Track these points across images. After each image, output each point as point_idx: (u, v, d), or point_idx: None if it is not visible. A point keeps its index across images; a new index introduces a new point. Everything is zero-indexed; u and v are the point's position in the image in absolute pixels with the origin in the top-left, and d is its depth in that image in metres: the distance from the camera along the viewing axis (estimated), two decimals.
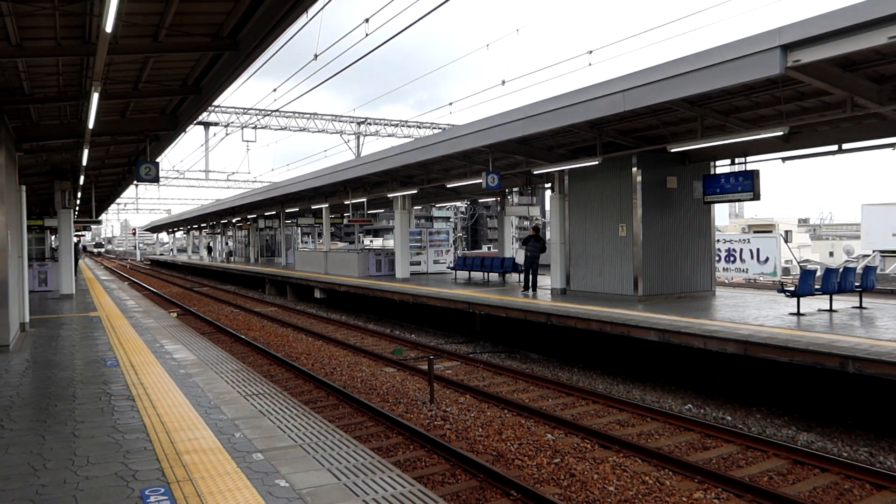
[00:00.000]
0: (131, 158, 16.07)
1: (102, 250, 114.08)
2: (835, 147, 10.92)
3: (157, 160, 13.75)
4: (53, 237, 26.26)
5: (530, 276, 14.96)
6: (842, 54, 6.86)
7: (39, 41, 7.28)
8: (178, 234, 71.84)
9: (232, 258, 45.10)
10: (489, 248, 49.64)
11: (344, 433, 5.13)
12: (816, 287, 10.25)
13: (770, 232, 25.43)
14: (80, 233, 54.53)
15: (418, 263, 22.03)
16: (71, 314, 13.52)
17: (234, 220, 42.19)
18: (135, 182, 23.58)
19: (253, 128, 32.31)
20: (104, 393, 6.39)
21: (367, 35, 11.06)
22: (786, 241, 25.02)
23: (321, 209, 27.59)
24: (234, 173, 38.86)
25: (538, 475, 6.20)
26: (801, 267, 19.27)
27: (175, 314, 16.88)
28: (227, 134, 32.47)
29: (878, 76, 8.37)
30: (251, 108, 31.92)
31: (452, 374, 10.80)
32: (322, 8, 8.39)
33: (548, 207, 18.41)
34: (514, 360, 12.15)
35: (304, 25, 9.04)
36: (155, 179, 11.80)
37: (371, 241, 60.94)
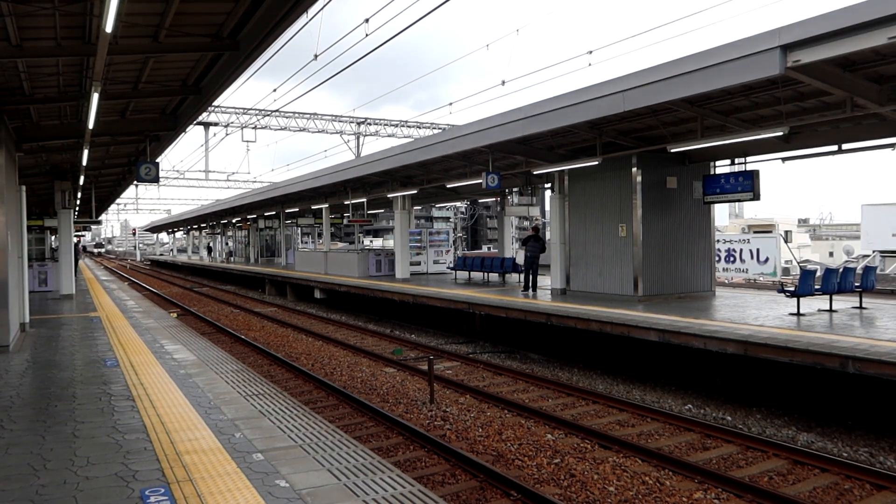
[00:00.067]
0: (131, 158, 16.07)
1: (102, 250, 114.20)
2: (835, 147, 10.92)
3: (157, 160, 13.75)
4: (53, 237, 26.24)
5: (530, 277, 14.96)
6: (842, 54, 6.86)
7: (39, 41, 7.27)
8: (178, 235, 71.84)
9: (232, 258, 45.11)
10: (489, 249, 49.66)
11: (344, 433, 5.13)
12: (816, 287, 10.26)
13: (770, 232, 25.44)
14: (79, 233, 54.58)
15: (418, 264, 22.02)
16: (71, 314, 13.52)
17: (233, 221, 42.20)
18: (135, 182, 23.59)
19: (253, 128, 32.33)
20: (104, 393, 6.39)
21: (366, 35, 11.08)
22: (786, 242, 25.02)
23: (321, 209, 27.59)
24: (234, 173, 38.96)
25: (538, 475, 6.21)
26: (800, 267, 19.29)
27: (175, 314, 16.88)
28: (227, 134, 32.52)
29: (877, 76, 8.37)
30: (251, 109, 31.94)
31: (452, 374, 10.79)
32: (322, 8, 8.41)
33: (548, 208, 18.41)
34: (514, 360, 12.15)
35: (304, 25, 9.06)
36: (155, 180, 11.82)
37: (371, 242, 60.97)
